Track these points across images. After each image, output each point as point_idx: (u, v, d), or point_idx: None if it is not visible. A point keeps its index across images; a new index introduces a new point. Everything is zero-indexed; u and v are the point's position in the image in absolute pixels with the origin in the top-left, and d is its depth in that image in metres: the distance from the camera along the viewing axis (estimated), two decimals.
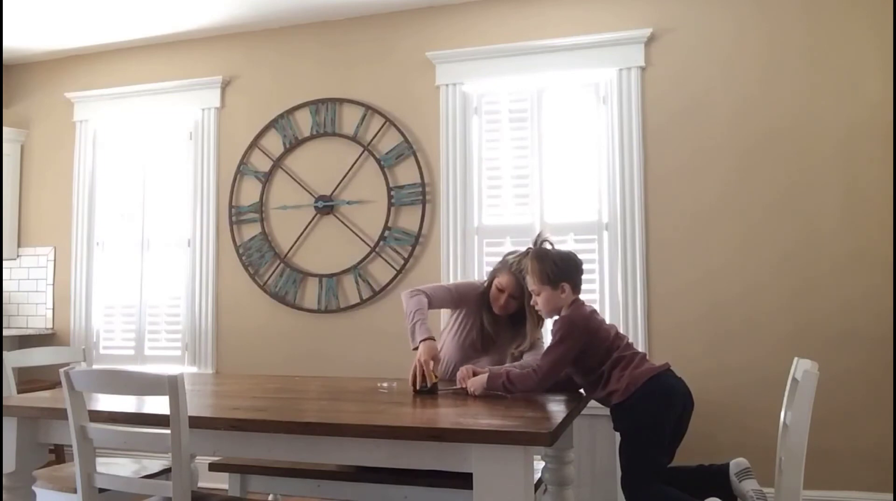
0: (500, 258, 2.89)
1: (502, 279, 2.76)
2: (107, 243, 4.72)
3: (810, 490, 3.20)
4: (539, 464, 2.54)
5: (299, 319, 4.26)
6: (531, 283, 2.50)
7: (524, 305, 2.72)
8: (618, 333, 2.46)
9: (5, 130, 4.78)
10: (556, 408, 2.18)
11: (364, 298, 4.13)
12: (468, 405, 2.24)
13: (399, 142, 4.12)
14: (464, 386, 2.49)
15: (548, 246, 2.57)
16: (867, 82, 3.47)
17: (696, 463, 2.44)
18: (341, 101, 4.27)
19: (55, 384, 3.75)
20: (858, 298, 3.42)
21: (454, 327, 2.93)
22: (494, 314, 2.83)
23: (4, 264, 4.83)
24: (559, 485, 2.55)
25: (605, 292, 3.78)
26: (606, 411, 2.43)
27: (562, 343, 2.36)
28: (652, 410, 2.29)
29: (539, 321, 2.77)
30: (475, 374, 2.49)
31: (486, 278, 2.92)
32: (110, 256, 4.70)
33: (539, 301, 2.50)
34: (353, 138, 4.21)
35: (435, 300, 2.86)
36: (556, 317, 2.48)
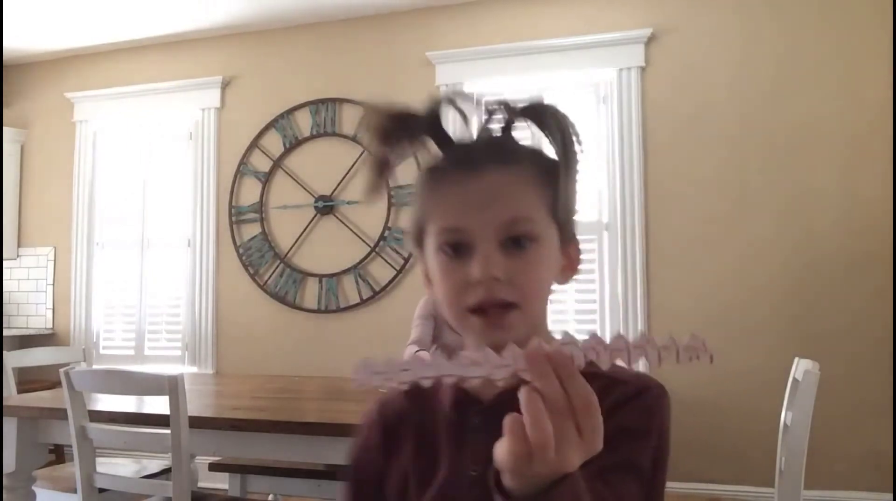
0: None
1: None
2: (107, 243, 4.72)
3: (810, 491, 3.19)
4: None
5: (299, 319, 4.25)
6: None
7: None
8: None
9: (5, 130, 4.78)
10: None
11: (364, 298, 4.13)
12: None
13: None
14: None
15: None
16: (874, 85, 3.47)
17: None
18: (341, 101, 4.27)
19: (55, 384, 3.74)
20: (859, 298, 3.42)
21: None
22: None
23: (4, 264, 4.82)
24: None
25: (605, 292, 3.76)
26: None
27: None
28: None
29: None
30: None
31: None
32: (110, 256, 4.70)
33: None
34: (353, 138, 4.21)
35: (427, 338, 2.93)
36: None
